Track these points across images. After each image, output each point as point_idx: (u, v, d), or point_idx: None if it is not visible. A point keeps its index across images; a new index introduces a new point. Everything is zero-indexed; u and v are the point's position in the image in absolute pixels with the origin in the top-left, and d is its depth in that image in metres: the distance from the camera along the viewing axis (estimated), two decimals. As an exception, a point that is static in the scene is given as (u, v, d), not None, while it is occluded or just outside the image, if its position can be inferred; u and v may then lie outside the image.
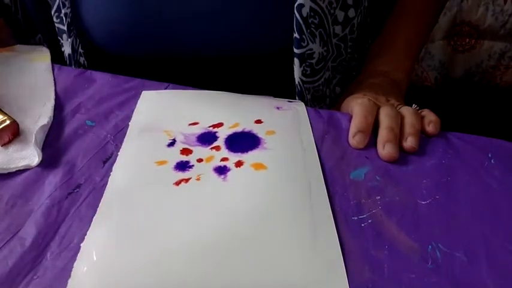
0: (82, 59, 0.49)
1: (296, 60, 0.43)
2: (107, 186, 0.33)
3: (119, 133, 0.39)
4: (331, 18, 0.43)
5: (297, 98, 0.46)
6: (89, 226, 0.30)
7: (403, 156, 0.37)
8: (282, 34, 0.44)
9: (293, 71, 0.45)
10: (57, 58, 0.50)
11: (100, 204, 0.32)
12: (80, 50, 0.49)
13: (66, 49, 0.49)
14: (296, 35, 0.42)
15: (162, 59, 0.49)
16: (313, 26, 0.42)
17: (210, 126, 0.39)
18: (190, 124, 0.40)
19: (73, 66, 0.49)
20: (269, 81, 0.49)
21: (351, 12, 0.45)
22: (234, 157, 0.36)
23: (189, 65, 0.49)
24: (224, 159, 0.36)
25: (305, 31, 0.42)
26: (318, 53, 0.44)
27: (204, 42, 0.46)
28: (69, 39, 0.48)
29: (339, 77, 0.50)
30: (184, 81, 0.46)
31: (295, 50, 0.43)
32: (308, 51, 0.43)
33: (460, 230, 0.31)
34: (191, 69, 0.49)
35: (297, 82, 0.45)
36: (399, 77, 0.49)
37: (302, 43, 0.42)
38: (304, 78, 0.45)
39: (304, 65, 0.44)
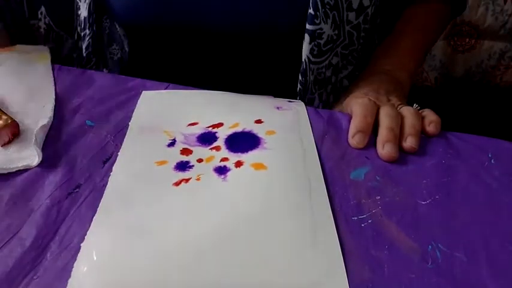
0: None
1: (307, 37, 0.44)
2: (107, 186, 0.33)
3: (119, 133, 0.39)
4: (346, 3, 0.44)
5: (300, 76, 0.47)
6: (89, 226, 0.30)
7: (403, 156, 0.37)
8: (295, 13, 0.45)
9: (299, 55, 0.45)
10: (57, 56, 0.50)
11: (100, 204, 0.32)
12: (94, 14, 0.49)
13: (83, 12, 0.49)
14: (311, 11, 0.43)
15: (176, 31, 0.50)
16: (328, 6, 0.43)
17: (210, 126, 0.39)
18: (190, 124, 0.40)
19: (82, 43, 0.48)
20: (275, 63, 0.50)
21: (366, 1, 0.45)
22: (234, 157, 0.36)
23: (200, 39, 0.50)
24: (224, 159, 0.36)
25: (320, 9, 0.43)
26: (327, 34, 0.45)
27: (218, 17, 0.47)
28: (86, 1, 0.48)
29: (350, 68, 0.50)
30: (187, 74, 0.46)
31: (308, 26, 0.44)
32: (319, 31, 0.44)
33: (460, 230, 0.31)
34: (202, 43, 0.50)
35: (303, 59, 0.46)
36: (402, 76, 0.49)
37: (315, 20, 0.43)
38: (311, 57, 0.45)
39: (313, 43, 0.45)
